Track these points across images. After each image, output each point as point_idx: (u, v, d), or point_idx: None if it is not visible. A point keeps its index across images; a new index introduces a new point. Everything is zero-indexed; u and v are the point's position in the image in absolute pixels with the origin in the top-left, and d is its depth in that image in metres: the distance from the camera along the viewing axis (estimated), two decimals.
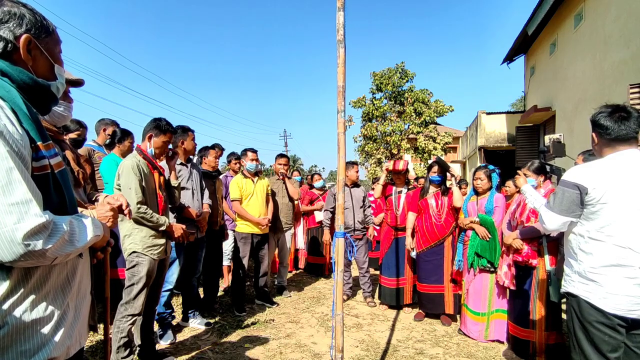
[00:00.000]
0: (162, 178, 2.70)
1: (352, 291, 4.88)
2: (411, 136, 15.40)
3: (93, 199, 2.14)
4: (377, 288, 4.60)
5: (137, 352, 2.70)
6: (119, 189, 2.47)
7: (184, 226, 2.74)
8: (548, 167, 2.44)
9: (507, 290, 3.22)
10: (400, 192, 4.35)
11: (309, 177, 6.68)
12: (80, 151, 3.14)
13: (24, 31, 1.01)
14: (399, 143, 15.04)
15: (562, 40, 9.47)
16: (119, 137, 3.46)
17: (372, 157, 15.74)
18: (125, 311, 2.47)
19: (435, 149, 14.83)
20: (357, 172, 4.68)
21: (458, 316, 3.81)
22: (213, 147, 4.16)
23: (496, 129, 12.87)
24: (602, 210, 1.65)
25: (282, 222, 4.53)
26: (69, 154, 2.10)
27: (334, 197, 4.51)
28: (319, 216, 5.85)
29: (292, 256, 5.99)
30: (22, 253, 0.86)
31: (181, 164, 3.36)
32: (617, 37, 6.84)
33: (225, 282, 4.97)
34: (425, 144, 14.93)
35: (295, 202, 4.89)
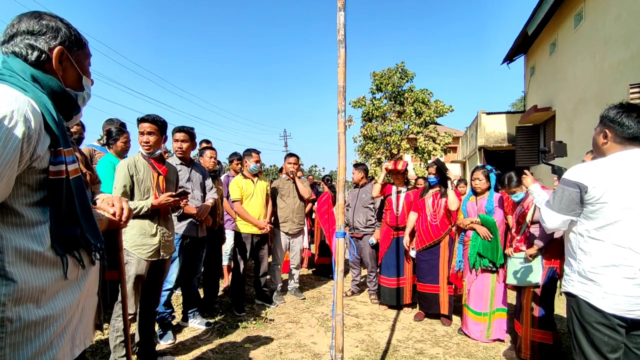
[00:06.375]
0: (161, 178, 2.69)
1: (358, 288, 4.90)
2: (411, 136, 15.36)
3: (95, 198, 2.15)
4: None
5: (136, 351, 2.70)
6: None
7: (168, 194, 2.57)
8: (550, 168, 2.43)
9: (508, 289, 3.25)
10: (399, 192, 4.35)
11: (311, 177, 6.92)
12: (83, 151, 3.14)
13: (58, 43, 1.08)
14: (399, 143, 14.99)
15: (562, 40, 9.47)
16: (113, 137, 3.45)
17: (372, 157, 15.70)
18: (120, 310, 2.47)
19: (435, 149, 14.80)
20: (359, 173, 4.86)
21: (453, 316, 3.86)
22: (212, 147, 4.16)
23: (496, 129, 12.88)
24: (602, 209, 1.64)
25: (295, 222, 4.47)
26: (77, 155, 2.11)
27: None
28: None
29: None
30: None
31: (181, 164, 3.36)
32: (617, 37, 6.84)
33: (225, 282, 4.97)
34: (425, 144, 14.90)
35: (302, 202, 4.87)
